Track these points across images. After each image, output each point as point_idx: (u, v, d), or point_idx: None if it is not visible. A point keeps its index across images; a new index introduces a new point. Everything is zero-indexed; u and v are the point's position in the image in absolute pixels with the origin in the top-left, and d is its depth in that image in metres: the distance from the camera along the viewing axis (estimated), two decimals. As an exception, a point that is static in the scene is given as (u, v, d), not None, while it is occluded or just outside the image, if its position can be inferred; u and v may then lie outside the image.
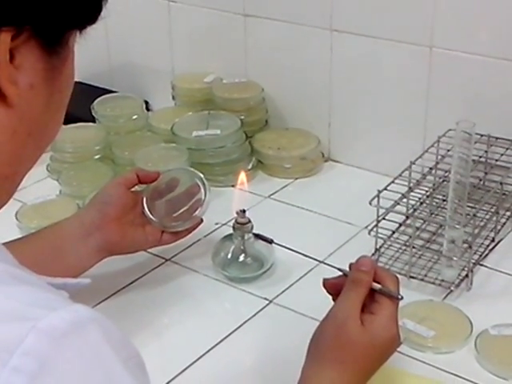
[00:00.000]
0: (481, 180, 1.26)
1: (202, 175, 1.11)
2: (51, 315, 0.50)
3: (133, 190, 1.08)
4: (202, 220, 1.09)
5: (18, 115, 0.58)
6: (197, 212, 1.08)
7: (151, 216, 1.07)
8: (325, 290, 0.87)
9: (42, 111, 0.60)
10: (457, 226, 1.04)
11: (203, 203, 1.08)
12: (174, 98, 1.53)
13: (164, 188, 1.11)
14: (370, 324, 0.80)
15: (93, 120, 1.47)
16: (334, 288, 0.86)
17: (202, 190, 1.09)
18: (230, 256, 1.11)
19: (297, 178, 1.39)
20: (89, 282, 0.65)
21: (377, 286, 0.83)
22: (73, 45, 0.61)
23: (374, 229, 1.11)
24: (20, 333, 0.49)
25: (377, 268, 0.85)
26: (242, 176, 1.14)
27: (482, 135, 1.24)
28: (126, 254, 1.07)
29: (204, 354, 0.97)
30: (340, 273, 0.87)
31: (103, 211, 1.03)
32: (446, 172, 1.24)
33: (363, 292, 0.82)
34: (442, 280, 1.07)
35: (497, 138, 1.25)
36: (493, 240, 1.17)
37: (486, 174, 1.26)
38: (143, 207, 1.07)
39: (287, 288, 1.09)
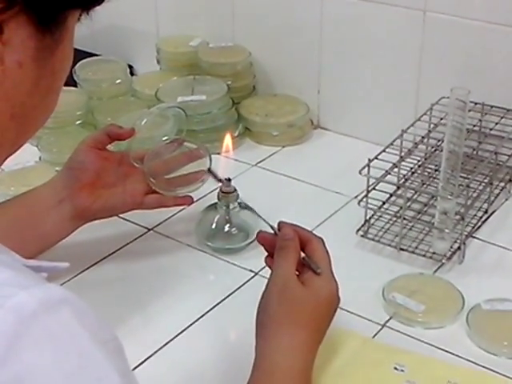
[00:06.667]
0: (474, 150, 1.24)
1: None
2: (21, 293, 0.48)
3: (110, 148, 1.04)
4: (192, 200, 1.05)
5: (0, 93, 0.55)
6: (199, 181, 1.04)
7: (151, 179, 1.02)
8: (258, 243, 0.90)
9: (29, 93, 0.57)
10: (449, 197, 1.02)
11: (206, 173, 1.02)
12: (158, 61, 1.51)
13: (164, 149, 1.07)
14: (310, 282, 0.82)
15: (74, 84, 1.44)
16: (264, 241, 0.88)
17: (208, 158, 1.03)
18: (214, 226, 1.08)
19: (285, 146, 1.37)
20: (66, 266, 0.62)
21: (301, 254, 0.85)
22: (72, 26, 0.58)
23: (364, 199, 1.09)
24: None
25: (300, 231, 0.86)
26: (228, 140, 1.10)
27: (476, 103, 1.22)
28: (105, 217, 1.03)
29: (188, 327, 0.95)
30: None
31: (75, 177, 0.99)
32: (438, 141, 1.22)
33: (293, 256, 0.83)
34: (434, 252, 1.06)
35: (491, 107, 1.23)
36: (486, 212, 1.15)
37: (479, 143, 1.24)
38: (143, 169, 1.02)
39: (273, 260, 1.06)
